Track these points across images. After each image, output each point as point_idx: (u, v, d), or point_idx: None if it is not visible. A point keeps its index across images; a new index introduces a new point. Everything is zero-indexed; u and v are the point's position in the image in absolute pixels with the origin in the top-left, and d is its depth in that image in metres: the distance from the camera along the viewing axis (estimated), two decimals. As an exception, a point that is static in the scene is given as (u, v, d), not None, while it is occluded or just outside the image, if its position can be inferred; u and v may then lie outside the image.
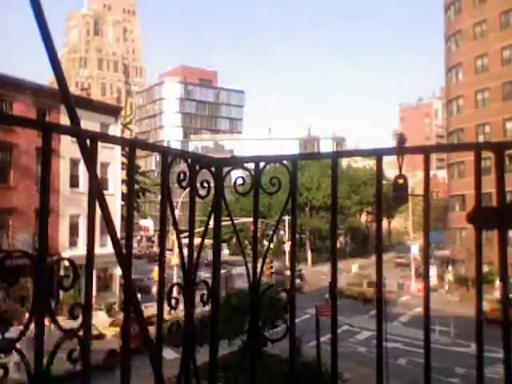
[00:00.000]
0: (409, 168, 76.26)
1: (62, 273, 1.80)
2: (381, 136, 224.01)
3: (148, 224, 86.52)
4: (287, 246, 53.10)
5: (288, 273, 2.36)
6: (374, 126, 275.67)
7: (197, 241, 2.31)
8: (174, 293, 2.15)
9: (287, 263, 49.63)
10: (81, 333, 1.71)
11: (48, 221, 1.69)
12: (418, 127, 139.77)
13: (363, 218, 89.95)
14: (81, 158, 1.83)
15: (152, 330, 1.91)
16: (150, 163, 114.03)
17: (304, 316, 33.14)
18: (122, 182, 40.32)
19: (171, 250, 25.94)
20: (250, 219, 2.63)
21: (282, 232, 62.60)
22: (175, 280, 29.54)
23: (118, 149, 36.41)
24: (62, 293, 19.11)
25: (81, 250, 31.64)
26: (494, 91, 52.67)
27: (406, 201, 61.90)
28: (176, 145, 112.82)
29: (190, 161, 2.21)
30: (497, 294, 21.56)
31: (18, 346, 1.56)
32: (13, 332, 1.62)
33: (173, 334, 2.18)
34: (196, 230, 2.38)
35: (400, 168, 2.20)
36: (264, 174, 2.25)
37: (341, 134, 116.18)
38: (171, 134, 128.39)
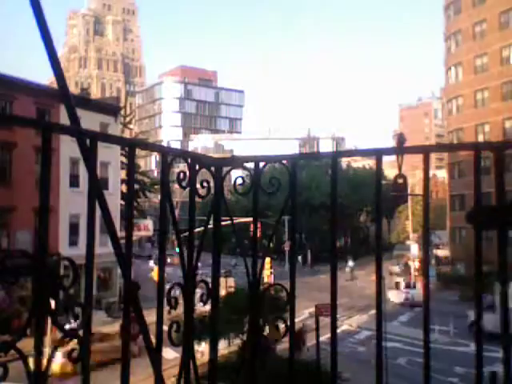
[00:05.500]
0: (408, 168, 76.23)
1: (61, 272, 1.80)
2: (381, 136, 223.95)
3: (147, 223, 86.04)
4: (286, 246, 53.06)
5: None
6: (374, 126, 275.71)
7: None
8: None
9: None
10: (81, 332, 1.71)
11: (48, 220, 1.69)
12: (418, 127, 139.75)
13: (363, 217, 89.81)
14: (80, 157, 1.82)
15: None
16: (149, 163, 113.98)
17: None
18: (122, 181, 40.27)
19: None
20: (249, 219, 2.62)
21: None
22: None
23: (117, 148, 36.34)
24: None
25: (81, 249, 31.55)
26: (493, 91, 52.66)
27: (406, 200, 61.86)
28: (176, 144, 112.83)
29: (189, 160, 2.21)
30: None
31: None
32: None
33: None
34: (195, 230, 2.37)
35: (399, 167, 2.19)
36: (263, 173, 2.24)
37: (340, 133, 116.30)
38: (171, 134, 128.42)
